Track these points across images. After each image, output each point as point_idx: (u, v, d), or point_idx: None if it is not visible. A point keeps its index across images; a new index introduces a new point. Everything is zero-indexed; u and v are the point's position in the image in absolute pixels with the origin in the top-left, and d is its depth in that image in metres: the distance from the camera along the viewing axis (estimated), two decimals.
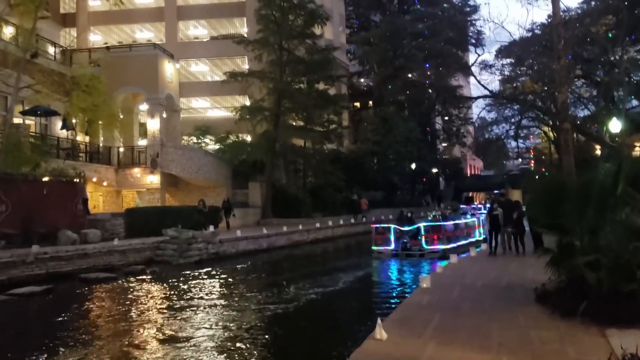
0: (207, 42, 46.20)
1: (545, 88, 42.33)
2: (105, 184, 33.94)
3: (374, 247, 24.29)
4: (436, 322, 8.49)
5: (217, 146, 42.41)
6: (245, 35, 42.57)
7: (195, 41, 46.65)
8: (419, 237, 23.25)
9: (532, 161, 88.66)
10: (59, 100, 28.62)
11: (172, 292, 16.40)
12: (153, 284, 18.27)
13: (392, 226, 24.29)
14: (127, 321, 12.64)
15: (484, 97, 55.21)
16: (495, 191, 73.53)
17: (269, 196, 38.97)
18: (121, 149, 36.94)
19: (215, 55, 45.25)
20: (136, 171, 35.60)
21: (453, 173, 76.87)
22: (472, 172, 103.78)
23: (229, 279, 19.09)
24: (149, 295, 16.13)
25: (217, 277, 19.68)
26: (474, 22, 67.40)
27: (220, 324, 12.16)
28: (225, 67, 44.11)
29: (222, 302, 14.83)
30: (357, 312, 13.86)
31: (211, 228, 24.99)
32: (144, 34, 47.51)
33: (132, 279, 19.06)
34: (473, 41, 68.20)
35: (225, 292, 16.47)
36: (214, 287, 17.45)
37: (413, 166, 59.52)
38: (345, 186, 46.06)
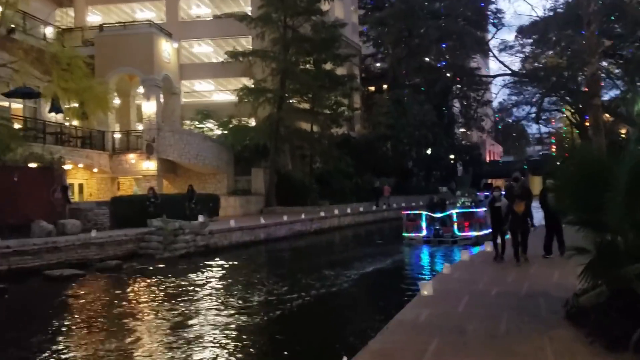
0: (209, 21, 43.79)
1: (571, 63, 39.42)
2: (95, 170, 31.97)
3: (405, 234, 24.48)
4: (432, 354, 6.20)
5: (220, 131, 40.21)
6: (249, 13, 40.12)
7: (197, 20, 44.27)
8: (449, 224, 23.27)
9: (554, 146, 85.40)
10: (42, 81, 26.59)
11: (138, 296, 14.27)
12: (124, 282, 16.16)
13: (424, 213, 24.30)
14: (58, 333, 10.52)
15: (504, 75, 52.30)
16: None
17: (273, 183, 36.78)
18: (116, 134, 34.95)
19: (219, 35, 42.85)
20: (131, 157, 33.56)
21: (471, 159, 73.99)
22: (491, 159, 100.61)
23: (209, 278, 16.89)
24: (108, 299, 13.96)
25: (198, 274, 17.52)
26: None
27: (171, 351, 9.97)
28: (229, 48, 41.75)
29: (182, 312, 12.60)
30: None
31: (201, 218, 22.81)
32: (145, 13, 45.24)
33: (102, 276, 17.00)
34: (492, 20, 65.04)
35: (197, 297, 14.25)
36: (189, 290, 15.25)
37: (429, 151, 56.96)
38: (356, 172, 43.75)
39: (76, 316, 11.97)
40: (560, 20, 42.58)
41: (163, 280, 16.28)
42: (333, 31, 38.12)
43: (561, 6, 47.62)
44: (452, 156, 67.56)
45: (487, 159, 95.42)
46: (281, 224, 27.67)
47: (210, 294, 14.07)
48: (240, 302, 13.04)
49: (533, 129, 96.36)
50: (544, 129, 72.69)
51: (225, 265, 19.02)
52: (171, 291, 14.50)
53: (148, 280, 16.33)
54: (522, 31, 60.62)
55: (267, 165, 37.14)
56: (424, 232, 23.76)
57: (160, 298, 13.79)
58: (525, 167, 68.87)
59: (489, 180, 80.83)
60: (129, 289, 15.06)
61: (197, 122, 40.50)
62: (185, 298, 13.57)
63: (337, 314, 12.27)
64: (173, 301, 13.17)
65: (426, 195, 51.77)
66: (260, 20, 35.76)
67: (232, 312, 11.94)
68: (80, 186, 34.34)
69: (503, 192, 13.45)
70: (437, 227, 23.41)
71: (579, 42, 38.38)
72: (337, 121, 41.30)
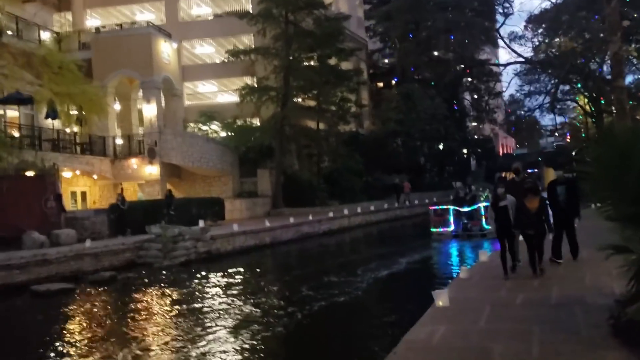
0: (210, 20, 42.73)
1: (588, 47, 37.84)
2: (95, 176, 30.97)
3: (433, 229, 24.38)
4: None
5: (224, 133, 39.09)
6: (250, 11, 38.96)
7: (198, 20, 43.22)
8: (477, 217, 22.92)
9: (569, 137, 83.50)
10: (34, 85, 25.59)
11: (129, 312, 13.10)
12: (116, 296, 15.03)
13: (451, 207, 24.25)
14: None
15: (516, 62, 50.66)
16: (529, 170, 69.06)
17: (280, 184, 35.61)
18: (118, 139, 33.95)
19: (220, 35, 41.75)
20: (133, 162, 32.57)
21: (484, 153, 72.26)
22: (505, 152, 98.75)
23: (208, 289, 15.70)
24: (96, 316, 12.80)
25: (197, 284, 16.35)
26: None
27: None
28: (231, 47, 40.59)
29: (177, 329, 11.43)
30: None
31: (201, 223, 21.65)
32: (145, 15, 44.25)
33: (94, 289, 15.88)
34: (500, 10, 63.35)
35: (194, 311, 13.07)
36: (185, 303, 14.06)
37: (440, 146, 55.45)
38: (365, 170, 42.46)
39: (55, 337, 10.83)
40: (572, 5, 41.04)
41: (158, 292, 15.17)
42: (336, 24, 36.84)
43: None
44: (464, 150, 65.94)
45: (501, 152, 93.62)
46: (287, 226, 26.47)
47: (208, 307, 12.89)
48: (238, 316, 11.85)
49: (546, 120, 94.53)
50: (557, 120, 70.84)
51: (226, 273, 17.82)
52: (166, 305, 13.38)
53: (142, 293, 15.21)
54: (531, 20, 59.03)
55: (273, 165, 36.01)
56: (452, 227, 23.76)
57: (153, 313, 12.64)
58: (540, 159, 67.25)
59: (503, 174, 79.44)
60: (120, 304, 13.92)
61: (200, 124, 39.45)
62: (182, 312, 12.42)
63: (343, 329, 11.00)
64: (168, 317, 12.03)
65: (440, 191, 50.63)
66: (261, 16, 34.61)
67: (229, 327, 10.76)
68: (84, 194, 33.44)
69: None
70: (465, 222, 23.25)
71: (593, 27, 36.88)
72: (344, 118, 40.08)
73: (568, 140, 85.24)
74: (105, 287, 16.17)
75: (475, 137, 74.67)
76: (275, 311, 12.04)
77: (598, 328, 6.46)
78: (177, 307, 13.06)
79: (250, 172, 36.36)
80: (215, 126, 39.62)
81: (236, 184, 35.81)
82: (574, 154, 69.85)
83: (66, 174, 30.38)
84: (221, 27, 41.10)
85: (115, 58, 32.75)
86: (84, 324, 11.99)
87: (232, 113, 38.33)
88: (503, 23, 57.60)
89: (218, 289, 15.10)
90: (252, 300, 13.32)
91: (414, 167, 51.26)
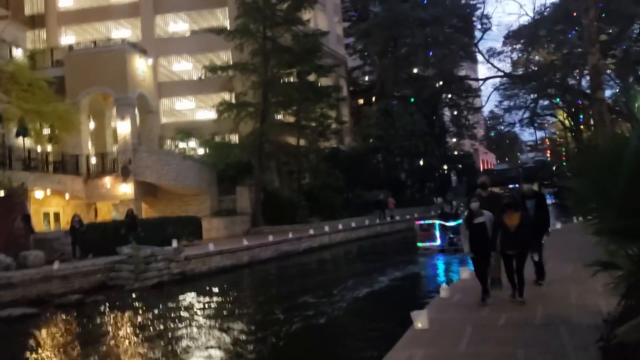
0: (187, 37, 42.22)
1: (566, 60, 37.98)
2: (67, 196, 30.11)
3: (419, 244, 24.67)
4: None
5: (202, 150, 38.44)
6: (227, 27, 38.57)
7: (174, 37, 42.74)
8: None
9: (548, 151, 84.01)
10: (5, 103, 24.83)
11: (92, 338, 12.38)
12: (81, 321, 14.27)
13: (437, 222, 24.55)
14: None
15: (495, 77, 50.83)
16: (511, 185, 69.23)
17: (259, 202, 34.98)
18: (91, 157, 33.14)
19: (197, 51, 41.25)
20: (107, 181, 31.75)
21: (465, 168, 72.35)
22: (485, 167, 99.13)
23: (178, 313, 15.02)
24: (57, 343, 12.06)
25: (167, 308, 15.65)
26: (478, 4, 62.85)
27: None
28: (208, 63, 40.15)
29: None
30: None
31: (174, 243, 20.94)
32: (120, 32, 43.63)
33: (59, 315, 15.10)
34: (479, 26, 63.78)
35: (161, 338, 12.39)
36: (152, 329, 13.39)
37: (421, 162, 55.28)
38: (346, 186, 41.99)
39: None
40: (550, 19, 41.30)
41: (125, 316, 14.45)
42: (314, 40, 36.57)
43: (549, 8, 46.47)
44: (445, 166, 65.94)
45: (481, 167, 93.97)
46: (266, 244, 25.82)
47: (177, 332, 12.24)
48: (208, 342, 11.22)
49: (526, 135, 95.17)
50: (537, 135, 71.19)
51: (199, 295, 17.14)
52: (132, 331, 12.68)
53: (108, 318, 14.49)
54: (510, 36, 59.49)
55: (252, 183, 35.38)
56: (439, 242, 23.97)
57: (117, 340, 11.95)
58: (520, 173, 67.45)
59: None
60: (83, 330, 13.18)
61: (178, 141, 38.79)
62: (148, 338, 11.75)
63: (318, 354, 10.41)
64: (132, 344, 11.36)
65: (421, 206, 50.32)
66: (238, 32, 34.20)
67: (196, 356, 10.13)
68: (57, 215, 32.50)
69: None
70: (452, 236, 23.22)
71: (570, 41, 37.10)
72: (324, 134, 39.70)
73: (548, 155, 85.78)
74: (72, 312, 15.39)
75: (455, 153, 74.82)
76: (246, 336, 11.42)
77: (586, 351, 6.00)
78: (143, 332, 12.38)
79: (228, 189, 35.66)
80: (193, 143, 38.99)
81: (214, 202, 35.10)
82: (554, 168, 70.27)
83: (38, 193, 29.52)
84: (198, 43, 40.63)
85: (89, 75, 32.06)
86: (44, 353, 11.26)
87: (210, 130, 37.74)
88: (481, 38, 58.00)
89: (188, 313, 14.44)
90: (223, 325, 12.68)
91: (395, 183, 50.95)
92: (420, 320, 7.93)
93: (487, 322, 7.91)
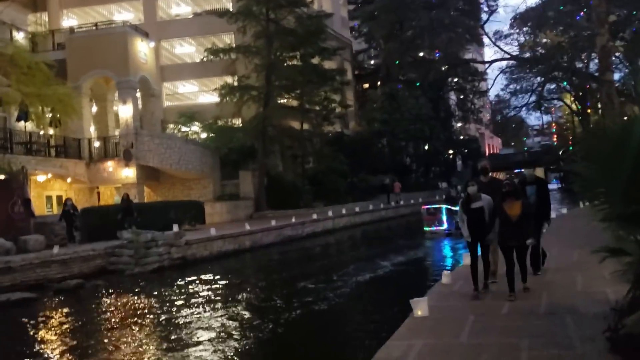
0: (190, 19, 41.74)
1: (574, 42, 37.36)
2: (69, 180, 29.96)
3: (426, 228, 24.94)
4: None
5: (205, 134, 38.12)
6: (230, 9, 38.06)
7: (177, 19, 42.25)
8: None
9: (555, 136, 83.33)
10: (5, 87, 24.54)
11: (89, 324, 12.23)
12: (79, 306, 14.12)
13: (444, 206, 24.79)
14: None
15: (502, 60, 50.24)
16: (516, 170, 68.71)
17: (263, 186, 34.75)
18: (94, 141, 32.92)
19: (200, 34, 40.81)
20: (109, 164, 31.54)
21: (470, 153, 71.85)
22: (491, 152, 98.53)
23: (176, 298, 14.83)
24: (52, 331, 11.88)
25: (166, 293, 15.48)
26: None
27: None
28: (211, 46, 39.67)
29: (137, 346, 10.58)
30: None
31: (175, 227, 20.72)
32: (122, 15, 43.17)
33: (57, 299, 14.95)
34: (485, 8, 62.96)
35: (157, 325, 12.22)
36: (149, 314, 13.21)
37: (426, 147, 54.90)
38: (351, 171, 41.71)
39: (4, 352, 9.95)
40: (558, 1, 40.66)
41: (124, 301, 14.27)
42: (317, 22, 36.04)
43: None
44: (451, 151, 65.47)
45: (487, 152, 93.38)
46: (269, 229, 25.59)
47: (175, 318, 12.04)
48: (205, 329, 11.02)
49: (532, 119, 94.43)
50: (544, 119, 70.44)
51: (199, 280, 16.93)
52: (130, 316, 12.48)
53: (106, 303, 14.34)
54: (517, 19, 58.62)
55: (256, 167, 35.13)
56: (446, 225, 24.26)
57: (114, 325, 11.76)
58: (526, 157, 66.94)
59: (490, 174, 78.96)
60: (81, 315, 13.00)
61: (180, 125, 38.49)
62: (145, 324, 11.57)
63: (317, 341, 10.18)
64: (130, 330, 11.16)
65: (426, 191, 50.00)
66: (241, 14, 33.75)
67: (193, 342, 9.94)
68: (59, 198, 32.39)
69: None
70: (458, 220, 22.90)
71: (578, 23, 36.48)
72: (328, 118, 39.32)
73: (555, 140, 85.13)
74: (70, 296, 15.24)
75: (461, 137, 74.29)
76: (245, 323, 11.22)
77: (593, 342, 5.74)
78: (141, 319, 12.19)
79: (232, 174, 35.45)
80: (195, 127, 38.70)
81: (217, 186, 34.90)
82: (560, 153, 69.65)
83: (40, 177, 29.44)
84: (201, 26, 40.18)
85: (90, 58, 31.75)
86: (41, 337, 11.09)
87: (213, 114, 37.44)
88: (487, 20, 57.21)
89: (188, 298, 14.24)
90: (222, 310, 12.48)
91: (399, 168, 50.65)
92: (421, 307, 7.68)
93: (489, 311, 7.66)
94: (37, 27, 40.16)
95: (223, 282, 16.76)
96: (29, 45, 33.95)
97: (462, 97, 68.99)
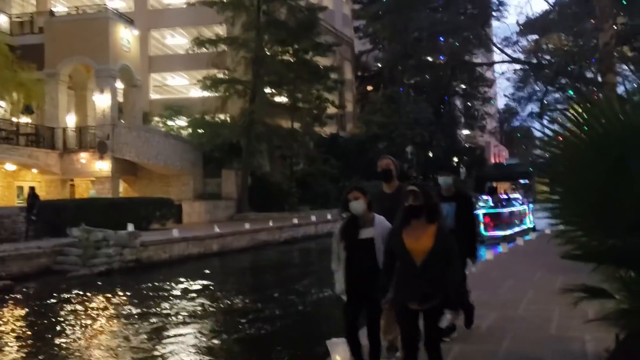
0: (182, 9, 40.09)
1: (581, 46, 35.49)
2: (35, 170, 28.30)
3: None
4: None
5: (191, 129, 36.39)
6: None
7: (169, 8, 40.68)
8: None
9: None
10: None
11: None
12: None
13: None
14: None
15: (504, 62, 48.66)
16: (521, 181, 66.48)
17: (246, 186, 33.01)
18: (68, 131, 31.23)
19: (192, 24, 39.15)
20: (83, 156, 29.84)
21: (474, 161, 69.84)
22: (497, 161, 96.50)
23: (107, 307, 13.04)
24: None
25: (102, 300, 13.70)
26: None
27: None
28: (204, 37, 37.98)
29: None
30: None
31: (130, 227, 18.97)
32: (113, 3, 41.69)
33: None
34: (494, 13, 60.89)
35: (72, 337, 10.43)
36: (70, 325, 11.44)
37: (430, 154, 53.03)
38: (343, 175, 39.84)
39: None
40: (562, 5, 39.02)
41: (46, 309, 12.50)
42: (310, 15, 34.23)
43: None
44: (455, 159, 63.49)
45: (492, 161, 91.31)
46: (241, 232, 23.81)
47: (92, 332, 10.28)
48: (121, 345, 9.26)
49: (539, 131, 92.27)
50: (549, 129, 68.26)
51: (145, 288, 15.14)
52: (43, 329, 10.73)
53: (27, 310, 12.58)
54: (525, 25, 56.66)
55: (240, 166, 33.38)
56: None
57: (21, 338, 10.01)
58: (531, 169, 64.95)
59: (494, 184, 77.14)
60: None
61: (166, 119, 36.83)
62: (49, 338, 9.81)
63: None
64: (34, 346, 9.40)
65: None
66: (230, 4, 32.03)
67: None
68: (33, 189, 30.76)
69: None
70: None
71: (586, 31, 34.59)
72: (319, 118, 37.40)
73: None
74: None
75: (466, 145, 72.33)
76: (147, 341, 9.42)
77: None
78: (50, 330, 10.42)
79: (215, 172, 33.75)
80: (182, 121, 37.03)
81: (198, 184, 33.18)
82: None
83: (9, 166, 27.89)
84: (193, 16, 38.45)
85: (69, 43, 30.06)
86: None
87: (201, 108, 35.77)
88: (489, 21, 55.55)
89: (119, 308, 12.47)
90: (153, 323, 10.71)
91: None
92: (340, 353, 5.83)
93: (487, 333, 5.95)
94: (23, 10, 38.68)
95: (164, 290, 14.85)
96: (9, 29, 32.54)
97: (469, 104, 67.10)
